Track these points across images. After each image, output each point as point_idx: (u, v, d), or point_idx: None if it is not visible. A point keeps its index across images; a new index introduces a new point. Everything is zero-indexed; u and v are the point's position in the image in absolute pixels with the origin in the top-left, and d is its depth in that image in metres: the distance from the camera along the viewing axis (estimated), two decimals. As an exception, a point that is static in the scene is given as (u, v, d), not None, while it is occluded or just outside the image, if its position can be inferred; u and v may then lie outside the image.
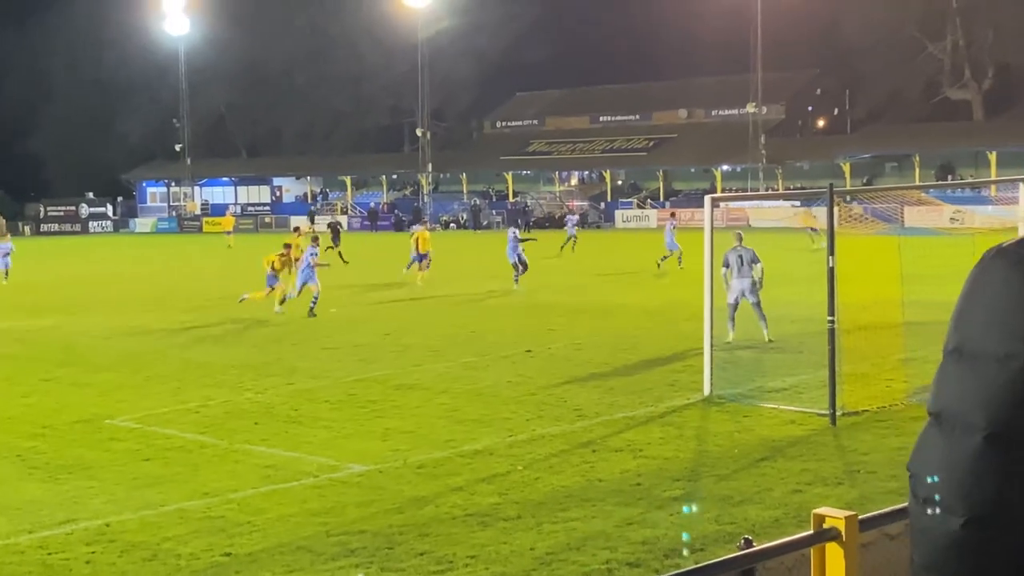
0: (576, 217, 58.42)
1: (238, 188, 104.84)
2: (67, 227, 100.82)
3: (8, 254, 41.87)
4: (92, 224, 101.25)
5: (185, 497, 12.51)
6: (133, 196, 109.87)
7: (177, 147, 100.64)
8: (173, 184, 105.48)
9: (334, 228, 53.84)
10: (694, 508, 11.26)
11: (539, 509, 11.55)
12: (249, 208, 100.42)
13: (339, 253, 46.74)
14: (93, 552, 10.70)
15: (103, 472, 13.79)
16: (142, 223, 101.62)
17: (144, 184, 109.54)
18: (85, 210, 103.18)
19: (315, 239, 31.19)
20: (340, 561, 10.17)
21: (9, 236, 44.28)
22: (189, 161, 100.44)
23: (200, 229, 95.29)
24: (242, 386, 19.36)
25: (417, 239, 37.81)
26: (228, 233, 70.09)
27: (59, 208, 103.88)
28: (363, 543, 10.62)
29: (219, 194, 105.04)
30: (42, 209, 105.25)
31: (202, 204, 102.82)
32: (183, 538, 11.03)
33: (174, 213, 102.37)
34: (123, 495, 12.72)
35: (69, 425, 16.53)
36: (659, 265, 39.27)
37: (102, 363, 22.50)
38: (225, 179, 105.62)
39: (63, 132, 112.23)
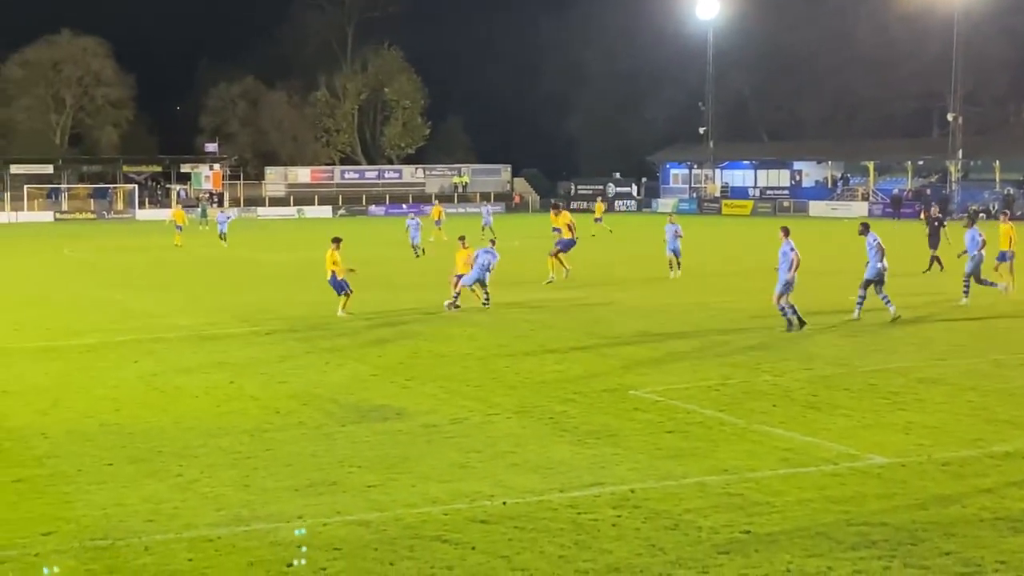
0: None
1: (758, 171, 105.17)
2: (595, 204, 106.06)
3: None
4: (617, 203, 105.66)
5: (705, 471, 12.84)
6: (656, 177, 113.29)
7: (700, 130, 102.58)
8: (695, 166, 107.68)
9: (933, 223, 38.46)
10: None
11: (1079, 521, 10.77)
12: (768, 192, 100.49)
13: (934, 258, 36.89)
14: (619, 516, 11.24)
15: (627, 440, 14.42)
16: (663, 203, 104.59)
17: (667, 165, 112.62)
18: (612, 189, 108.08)
19: (492, 241, 29.99)
20: (860, 551, 10.03)
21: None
22: (712, 144, 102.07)
23: (719, 211, 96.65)
24: (759, 368, 19.47)
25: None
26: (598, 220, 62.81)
27: (588, 187, 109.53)
28: (884, 535, 10.41)
29: (739, 177, 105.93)
30: (572, 187, 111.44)
31: (722, 187, 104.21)
32: (703, 511, 11.33)
33: (694, 195, 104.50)
34: (646, 463, 13.25)
35: (597, 393, 17.42)
36: None
37: (625, 336, 23.46)
38: (745, 162, 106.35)
39: (595, 116, 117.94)
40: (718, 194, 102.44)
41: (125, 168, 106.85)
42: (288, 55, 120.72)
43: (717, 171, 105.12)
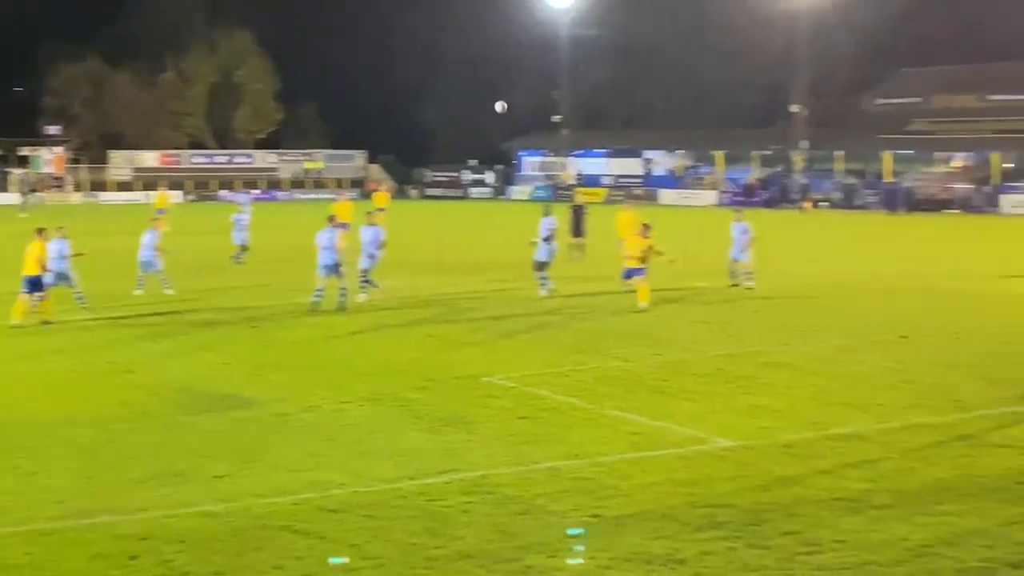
0: None
1: (611, 160, 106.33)
2: (450, 192, 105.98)
3: None
4: (472, 190, 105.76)
5: (557, 456, 12.93)
6: (512, 164, 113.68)
7: (554, 118, 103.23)
8: (550, 154, 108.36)
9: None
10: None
11: (912, 500, 11.16)
12: (621, 180, 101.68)
13: None
14: (470, 502, 11.24)
15: (481, 427, 14.45)
16: (519, 191, 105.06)
17: (522, 153, 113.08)
18: (467, 176, 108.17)
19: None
20: (706, 532, 10.22)
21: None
22: (566, 132, 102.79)
23: (573, 199, 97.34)
24: (611, 353, 19.70)
25: None
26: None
27: (443, 174, 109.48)
28: (729, 517, 10.63)
29: (593, 165, 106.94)
30: (428, 174, 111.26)
31: (576, 174, 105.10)
32: (554, 496, 11.41)
33: (549, 182, 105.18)
34: (499, 450, 13.29)
35: (449, 380, 17.40)
36: None
37: (479, 324, 23.46)
38: (599, 151, 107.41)
39: (450, 103, 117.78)
40: (572, 182, 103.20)
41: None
42: (136, 36, 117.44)
43: (571, 159, 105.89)
